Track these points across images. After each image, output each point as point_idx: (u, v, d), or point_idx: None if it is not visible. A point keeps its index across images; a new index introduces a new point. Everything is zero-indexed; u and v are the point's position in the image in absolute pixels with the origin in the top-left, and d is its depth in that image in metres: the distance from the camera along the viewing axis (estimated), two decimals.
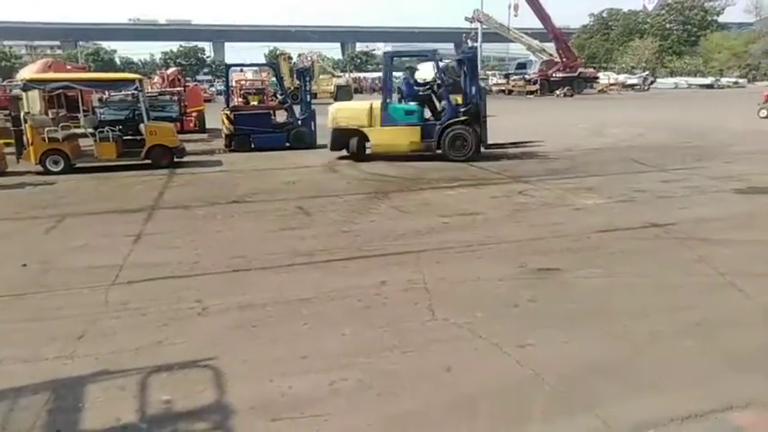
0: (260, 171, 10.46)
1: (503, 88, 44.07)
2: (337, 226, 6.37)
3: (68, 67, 22.09)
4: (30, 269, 5.06)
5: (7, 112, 11.79)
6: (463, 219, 6.60)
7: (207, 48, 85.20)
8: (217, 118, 15.16)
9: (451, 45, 69.58)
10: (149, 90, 20.28)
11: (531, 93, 41.34)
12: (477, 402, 2.92)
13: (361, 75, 61.49)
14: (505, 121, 16.72)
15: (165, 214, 7.22)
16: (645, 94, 43.19)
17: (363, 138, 11.20)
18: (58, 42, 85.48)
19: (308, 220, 6.71)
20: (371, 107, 11.17)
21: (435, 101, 11.24)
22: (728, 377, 3.11)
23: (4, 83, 12.66)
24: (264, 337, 3.67)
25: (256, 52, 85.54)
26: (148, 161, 10.64)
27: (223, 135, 13.44)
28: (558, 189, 8.17)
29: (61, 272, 5.00)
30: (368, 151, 11.27)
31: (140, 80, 11.12)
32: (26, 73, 16.24)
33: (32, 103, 11.89)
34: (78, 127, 11.55)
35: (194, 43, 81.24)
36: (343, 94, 36.28)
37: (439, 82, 11.10)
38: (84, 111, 13.66)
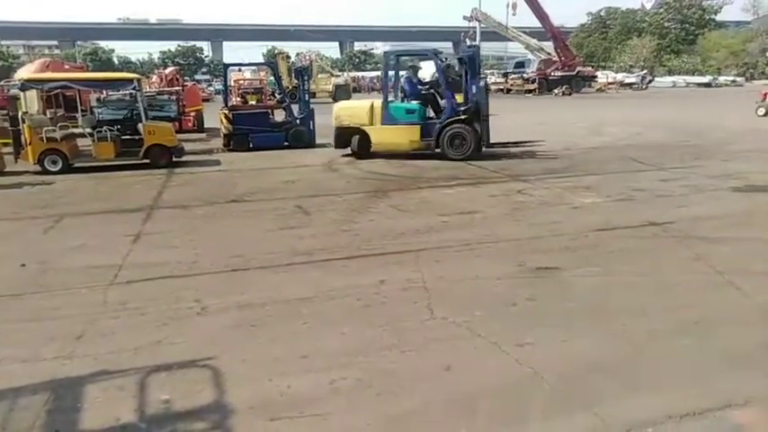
0: (258, 170, 10.46)
1: (501, 87, 44.06)
2: (336, 225, 6.38)
3: (66, 66, 22.05)
4: (28, 269, 5.06)
5: (5, 111, 11.77)
6: (462, 218, 6.60)
7: (205, 47, 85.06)
8: (215, 117, 15.15)
9: (450, 44, 69.58)
10: (147, 90, 20.24)
11: (530, 91, 41.34)
12: (476, 401, 2.92)
13: (360, 74, 61.46)
14: (504, 119, 16.70)
15: (164, 214, 7.22)
16: (643, 93, 43.22)
17: (365, 136, 11.28)
18: (55, 42, 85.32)
19: (307, 220, 6.71)
20: (372, 106, 11.26)
21: (438, 99, 11.26)
22: (727, 375, 3.12)
23: (2, 83, 12.63)
24: (263, 337, 3.67)
25: (255, 51, 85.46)
26: (147, 161, 10.63)
27: (221, 134, 13.43)
28: (556, 188, 8.18)
29: (60, 272, 5.00)
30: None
31: (138, 80, 11.10)
32: (24, 73, 16.19)
33: (30, 102, 11.88)
34: (76, 127, 11.55)
35: (192, 43, 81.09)
36: (341, 93, 36.24)
37: (439, 81, 11.10)
38: (82, 110, 13.67)
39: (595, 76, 46.94)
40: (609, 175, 9.24)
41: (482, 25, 45.38)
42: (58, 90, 13.80)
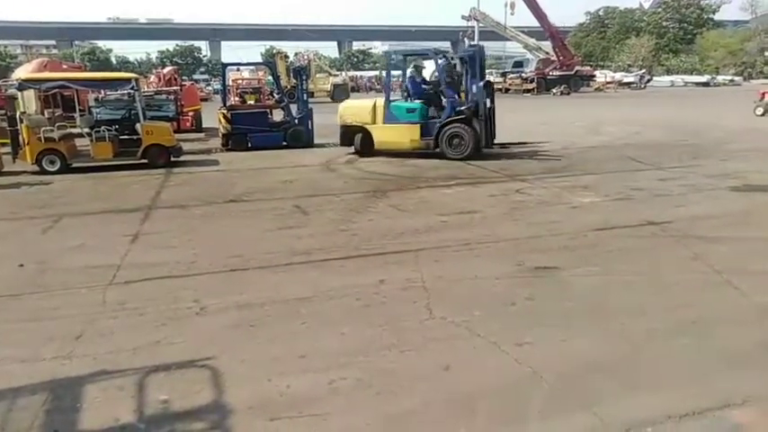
0: (257, 170, 10.45)
1: (500, 87, 43.96)
2: (335, 225, 6.37)
3: (64, 66, 22.04)
4: (27, 269, 5.05)
5: (3, 111, 11.74)
6: (461, 217, 6.60)
7: (203, 47, 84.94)
8: (213, 117, 15.13)
9: (448, 43, 69.52)
10: (146, 89, 20.22)
11: (528, 91, 41.39)
12: (475, 401, 2.92)
13: (358, 73, 61.47)
14: (502, 119, 16.57)
15: (163, 214, 7.21)
16: (641, 93, 43.27)
17: (368, 135, 11.41)
18: (53, 42, 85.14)
19: (306, 220, 6.71)
20: (375, 105, 11.39)
21: (442, 99, 11.28)
22: (726, 375, 3.12)
23: (0, 82, 12.60)
24: (262, 337, 3.67)
25: (253, 51, 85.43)
26: (145, 161, 10.62)
27: (220, 134, 13.42)
28: (555, 187, 8.19)
29: (58, 272, 4.99)
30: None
31: (137, 79, 11.09)
32: (22, 72, 16.17)
33: (28, 102, 11.88)
34: (74, 127, 11.54)
35: (190, 42, 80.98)
36: (339, 92, 36.23)
37: (439, 80, 11.11)
38: (80, 110, 13.62)
39: (594, 76, 47.01)
40: (607, 174, 9.25)
41: (480, 25, 45.40)
42: (56, 90, 13.78)
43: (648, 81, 52.25)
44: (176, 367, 3.28)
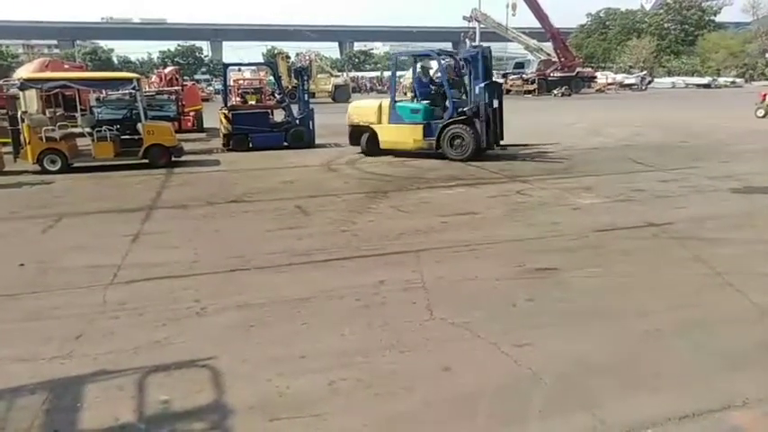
0: (258, 170, 10.46)
1: None
2: (336, 225, 6.37)
3: (66, 66, 22.04)
4: (27, 269, 5.05)
5: (5, 111, 11.76)
6: (461, 218, 6.60)
7: (204, 47, 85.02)
8: (215, 117, 15.14)
9: (449, 44, 69.53)
10: (147, 89, 20.24)
11: (529, 92, 41.39)
12: (475, 402, 2.92)
13: (359, 74, 61.52)
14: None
15: (163, 214, 7.21)
16: (642, 94, 43.27)
17: (374, 134, 11.56)
18: (55, 41, 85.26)
19: (307, 220, 6.71)
20: (381, 105, 11.55)
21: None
22: (726, 376, 3.12)
23: (2, 82, 12.60)
24: (263, 337, 3.67)
25: (254, 51, 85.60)
26: (146, 161, 10.63)
27: (221, 134, 13.43)
28: (555, 188, 8.18)
29: (59, 272, 4.99)
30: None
31: (138, 79, 11.10)
32: (23, 72, 16.20)
33: (30, 102, 11.88)
34: (76, 126, 11.55)
35: (192, 42, 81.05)
36: (340, 93, 36.31)
37: (442, 80, 11.11)
38: (81, 110, 13.64)
39: (595, 77, 47.02)
40: (608, 175, 9.24)
41: (482, 26, 45.43)
42: (58, 89, 13.76)
43: (649, 83, 52.24)
44: (176, 367, 3.28)
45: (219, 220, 6.83)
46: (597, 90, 44.99)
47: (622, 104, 29.71)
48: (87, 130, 10.72)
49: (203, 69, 78.19)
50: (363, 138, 11.75)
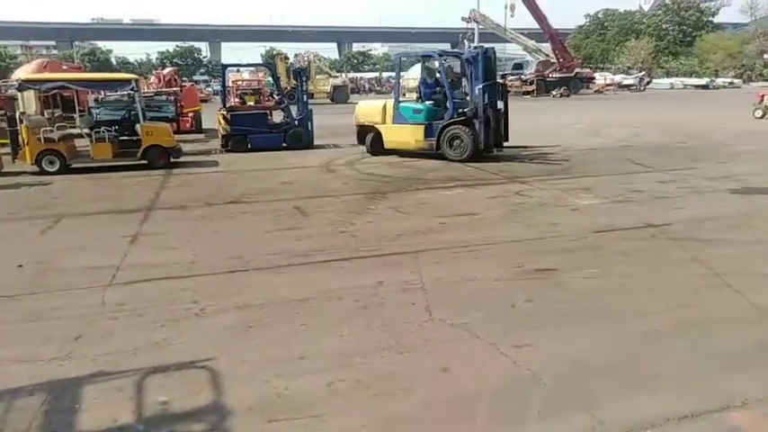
0: (257, 171, 10.45)
1: None
2: (334, 226, 6.37)
3: (64, 67, 22.03)
4: (26, 270, 5.04)
5: (3, 112, 11.75)
6: (460, 219, 6.60)
7: (203, 48, 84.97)
8: (213, 118, 15.13)
9: (448, 45, 69.58)
10: (145, 90, 20.22)
11: (528, 93, 41.39)
12: (474, 402, 2.92)
13: (358, 75, 61.52)
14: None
15: (162, 215, 7.21)
16: (641, 95, 43.29)
17: (379, 134, 11.73)
18: (53, 42, 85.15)
19: (305, 221, 6.71)
20: (385, 105, 11.72)
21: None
22: (725, 377, 3.12)
23: (0, 83, 12.61)
24: (261, 338, 3.66)
25: (253, 52, 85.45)
26: (145, 161, 10.62)
27: (220, 135, 13.42)
28: (554, 189, 8.19)
29: (57, 273, 4.99)
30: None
31: (136, 80, 11.10)
32: (21, 73, 16.18)
33: (28, 103, 11.90)
34: (74, 127, 11.54)
35: (191, 43, 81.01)
36: (339, 94, 36.30)
37: (443, 81, 11.12)
38: (80, 111, 13.62)
39: (593, 78, 47.02)
40: (607, 176, 9.25)
41: (480, 27, 45.43)
42: (56, 90, 13.78)
43: (648, 83, 52.26)
44: (175, 368, 3.27)
45: (218, 221, 6.82)
46: (596, 91, 45.00)
47: (621, 105, 29.74)
48: (86, 130, 10.71)
49: (202, 70, 78.12)
50: (368, 138, 11.97)
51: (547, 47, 44.31)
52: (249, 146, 12.98)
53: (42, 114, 12.80)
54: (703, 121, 18.30)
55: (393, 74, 12.68)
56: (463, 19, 45.81)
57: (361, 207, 7.30)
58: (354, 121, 12.38)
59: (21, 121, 10.19)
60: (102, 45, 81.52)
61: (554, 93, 40.33)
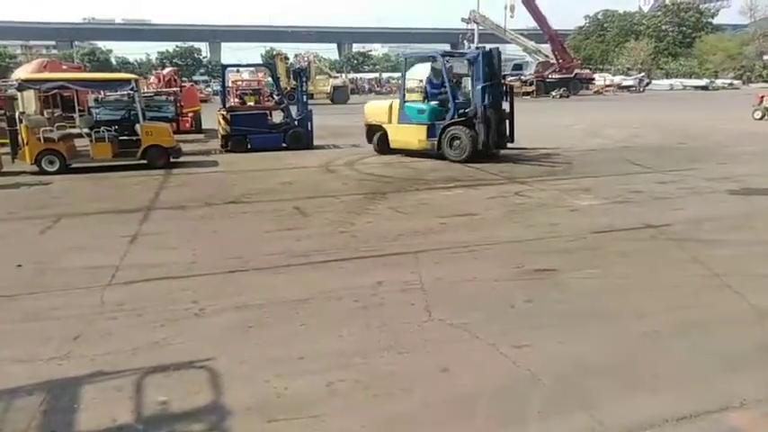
0: (256, 171, 10.45)
1: None
2: (334, 226, 6.37)
3: (64, 66, 22.02)
4: (25, 270, 5.04)
5: (2, 112, 11.75)
6: (460, 219, 6.60)
7: (203, 48, 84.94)
8: (213, 118, 15.13)
9: (448, 46, 69.57)
10: (145, 90, 20.23)
11: (527, 94, 41.41)
12: (474, 403, 2.92)
13: (358, 75, 61.54)
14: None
15: (162, 215, 7.20)
16: (640, 96, 43.34)
17: (385, 134, 11.90)
18: (53, 42, 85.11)
19: (305, 221, 6.71)
20: (391, 105, 11.90)
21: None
22: (724, 377, 3.12)
23: (0, 83, 12.62)
24: (261, 338, 3.66)
25: (253, 53, 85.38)
26: (144, 161, 10.62)
27: (219, 135, 13.42)
28: (554, 190, 8.19)
29: (57, 272, 4.98)
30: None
31: (136, 80, 11.10)
32: (21, 73, 16.18)
33: (28, 103, 11.90)
34: (74, 127, 11.53)
35: (191, 43, 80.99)
36: (339, 94, 36.32)
37: (445, 82, 11.12)
38: (79, 111, 13.61)
39: (593, 79, 47.10)
40: (606, 177, 9.26)
41: (480, 27, 45.51)
42: (56, 90, 13.78)
43: (647, 84, 52.33)
44: (175, 368, 3.27)
45: (218, 221, 6.82)
46: (595, 92, 45.06)
47: (620, 106, 29.76)
48: (85, 130, 10.70)
49: (202, 70, 78.07)
50: (375, 137, 12.17)
51: (546, 48, 44.38)
52: (249, 146, 12.97)
53: (42, 114, 12.80)
54: (703, 122, 18.31)
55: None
56: (463, 20, 45.90)
57: (360, 207, 7.30)
58: (364, 121, 12.61)
59: (20, 121, 10.18)
60: (102, 45, 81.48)
61: (553, 93, 40.37)
